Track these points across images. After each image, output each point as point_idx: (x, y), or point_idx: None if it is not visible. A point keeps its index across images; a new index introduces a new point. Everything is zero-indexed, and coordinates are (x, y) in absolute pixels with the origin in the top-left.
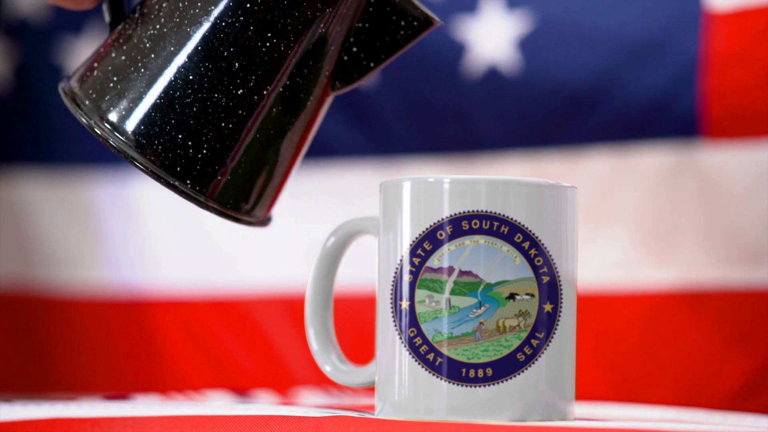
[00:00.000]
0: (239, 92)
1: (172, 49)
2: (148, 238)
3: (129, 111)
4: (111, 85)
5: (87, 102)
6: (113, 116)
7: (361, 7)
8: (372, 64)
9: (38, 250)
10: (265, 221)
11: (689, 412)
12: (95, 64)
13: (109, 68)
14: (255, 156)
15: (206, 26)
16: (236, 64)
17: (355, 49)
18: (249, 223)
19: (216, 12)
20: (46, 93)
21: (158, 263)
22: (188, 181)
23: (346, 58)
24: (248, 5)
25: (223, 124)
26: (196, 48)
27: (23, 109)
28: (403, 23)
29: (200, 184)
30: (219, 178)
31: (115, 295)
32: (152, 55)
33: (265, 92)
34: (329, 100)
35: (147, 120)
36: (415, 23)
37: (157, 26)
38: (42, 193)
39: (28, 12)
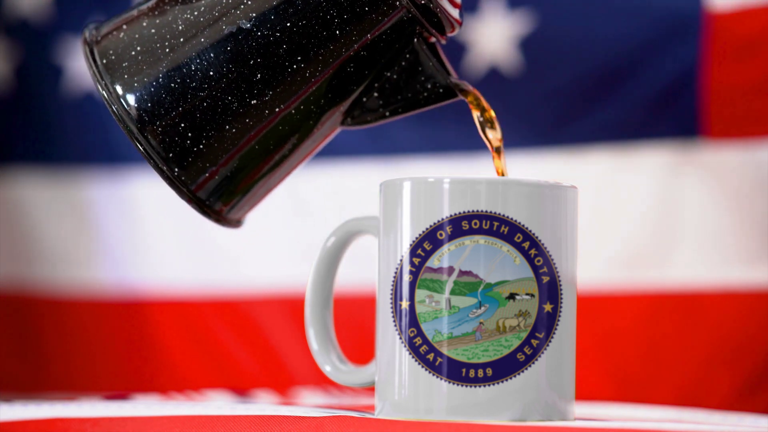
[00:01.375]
0: (252, 102)
1: (202, 40)
2: (147, 237)
3: (141, 85)
4: (133, 53)
5: (104, 60)
6: (124, 84)
7: (395, 60)
8: (387, 114)
9: (38, 249)
10: (237, 224)
11: (689, 412)
12: (124, 26)
13: (136, 36)
14: (247, 165)
15: (242, 30)
16: (258, 75)
17: (376, 95)
18: (221, 224)
19: (255, 20)
20: (47, 93)
21: (158, 263)
22: (176, 170)
23: (365, 100)
24: (288, 24)
25: (227, 127)
26: (225, 47)
27: (23, 108)
28: (429, 86)
29: (187, 175)
30: (207, 175)
31: (115, 295)
32: (181, 39)
33: (277, 109)
34: (336, 133)
35: (156, 99)
36: (440, 90)
37: (195, 13)
38: (41, 192)
39: (28, 12)
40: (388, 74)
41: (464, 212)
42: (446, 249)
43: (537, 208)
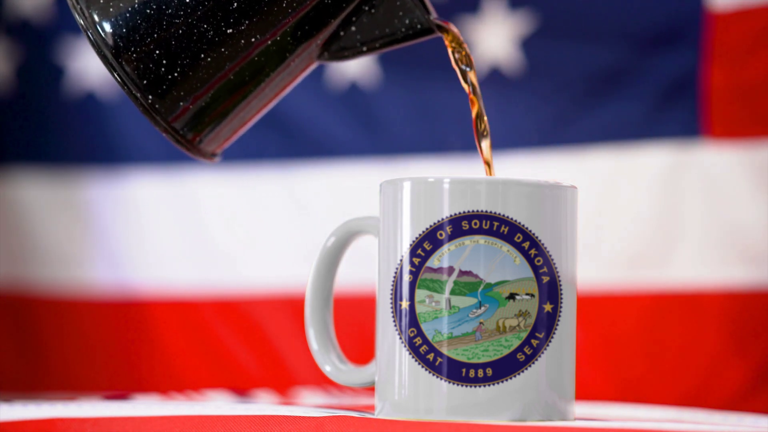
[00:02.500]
0: (228, 31)
1: None
2: (147, 238)
3: (117, 11)
4: None
5: None
6: (100, 9)
7: None
8: (365, 49)
9: (37, 249)
10: (212, 156)
11: (689, 412)
12: None
13: None
14: (222, 95)
15: None
16: (235, 3)
17: (353, 29)
18: (195, 155)
19: None
20: (47, 93)
21: (158, 263)
22: (150, 97)
23: (342, 33)
24: None
25: (202, 55)
26: None
27: (24, 108)
28: (407, 21)
29: (161, 104)
30: (181, 104)
31: (114, 295)
32: None
33: (253, 39)
34: (313, 66)
35: (131, 26)
36: (419, 26)
37: None
38: (41, 192)
39: (29, 12)
40: (366, 8)
41: (464, 212)
42: (446, 249)
43: (537, 208)
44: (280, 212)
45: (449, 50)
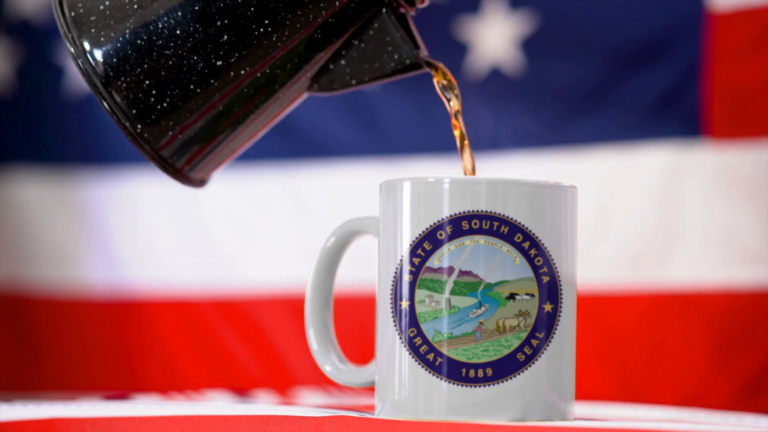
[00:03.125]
0: (218, 63)
1: None
2: (147, 237)
3: (108, 40)
4: (101, 8)
5: (72, 13)
6: (91, 38)
7: (363, 29)
8: (354, 82)
9: (37, 249)
10: (201, 183)
11: (689, 412)
12: None
13: None
14: (211, 126)
15: None
16: (225, 36)
17: (343, 62)
18: (183, 182)
19: None
20: (47, 93)
21: (158, 263)
22: (139, 126)
23: (332, 67)
24: None
25: (191, 86)
26: (193, 7)
27: (24, 109)
28: (396, 57)
29: (150, 133)
30: (170, 133)
31: (115, 295)
32: None
33: (242, 72)
34: (303, 98)
35: (122, 55)
36: (407, 62)
37: None
38: (41, 192)
39: (30, 12)
40: (356, 42)
41: (464, 212)
42: (446, 249)
43: (537, 208)
44: (280, 212)
45: (437, 87)
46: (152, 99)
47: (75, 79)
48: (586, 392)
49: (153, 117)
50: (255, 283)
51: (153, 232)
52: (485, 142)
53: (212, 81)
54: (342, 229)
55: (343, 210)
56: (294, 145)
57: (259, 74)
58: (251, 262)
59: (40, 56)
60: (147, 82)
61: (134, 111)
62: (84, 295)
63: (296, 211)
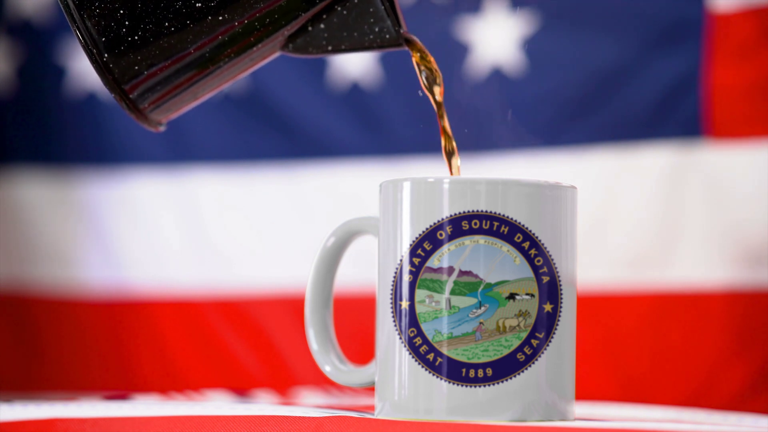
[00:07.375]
0: (197, 5)
1: None
2: (147, 237)
3: None
4: None
5: None
6: None
7: None
8: (330, 48)
9: (37, 249)
10: (158, 125)
11: (689, 412)
12: None
13: None
14: (180, 69)
15: None
16: None
17: (322, 26)
18: (142, 122)
19: None
20: (48, 93)
21: (158, 263)
22: (106, 56)
23: (310, 29)
24: None
25: (166, 24)
26: None
27: (25, 108)
28: (376, 29)
29: (116, 64)
30: (136, 68)
31: (115, 295)
32: None
33: (220, 18)
34: (274, 56)
35: None
36: (387, 36)
37: None
38: (42, 192)
39: (31, 12)
40: (339, 8)
41: (464, 212)
42: (446, 249)
43: (537, 208)
44: (280, 212)
45: (416, 67)
46: (124, 30)
47: (76, 79)
48: (586, 392)
49: (121, 48)
50: (255, 283)
51: (153, 232)
52: (485, 142)
53: (188, 22)
54: (342, 229)
55: (343, 210)
56: (294, 145)
57: (236, 24)
58: (251, 262)
59: (41, 56)
60: (121, 11)
61: (104, 39)
62: (84, 294)
63: (296, 211)
